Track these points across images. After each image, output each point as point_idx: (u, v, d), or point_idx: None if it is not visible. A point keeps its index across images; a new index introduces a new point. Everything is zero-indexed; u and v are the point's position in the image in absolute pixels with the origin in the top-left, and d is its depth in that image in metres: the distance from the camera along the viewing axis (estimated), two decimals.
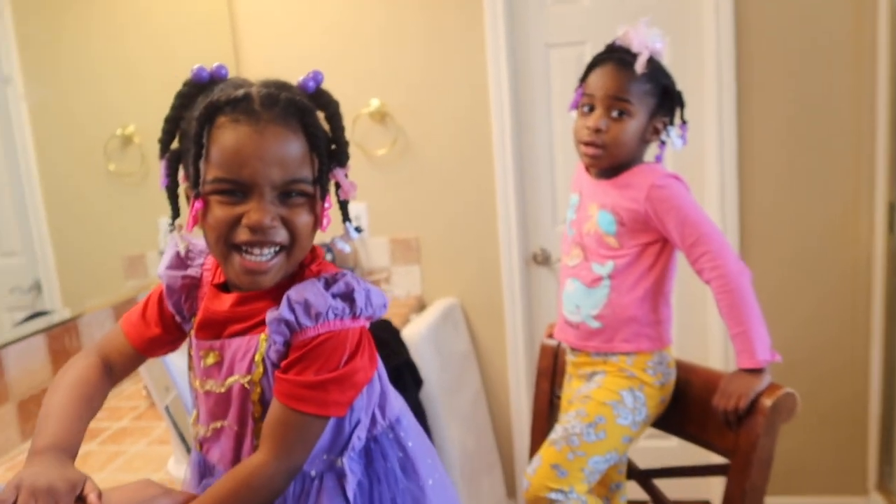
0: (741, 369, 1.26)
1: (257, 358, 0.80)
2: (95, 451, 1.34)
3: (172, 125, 0.80)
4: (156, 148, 0.82)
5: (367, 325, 0.83)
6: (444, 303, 2.26)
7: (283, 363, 0.79)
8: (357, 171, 2.30)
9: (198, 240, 0.90)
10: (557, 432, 1.35)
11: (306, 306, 0.77)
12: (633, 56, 1.31)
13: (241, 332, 0.82)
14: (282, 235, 0.78)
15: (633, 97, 1.31)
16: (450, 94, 2.24)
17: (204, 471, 0.88)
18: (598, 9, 2.17)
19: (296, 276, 0.83)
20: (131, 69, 1.92)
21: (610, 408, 1.32)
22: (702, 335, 2.25)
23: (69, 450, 0.77)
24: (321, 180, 0.80)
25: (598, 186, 1.38)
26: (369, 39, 2.25)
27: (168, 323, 0.90)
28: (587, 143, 1.34)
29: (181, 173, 0.82)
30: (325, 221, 0.82)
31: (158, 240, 1.98)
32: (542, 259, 2.31)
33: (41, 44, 1.64)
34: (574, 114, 1.41)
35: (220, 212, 0.76)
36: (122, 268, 1.89)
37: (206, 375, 0.84)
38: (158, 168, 0.83)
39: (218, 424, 0.84)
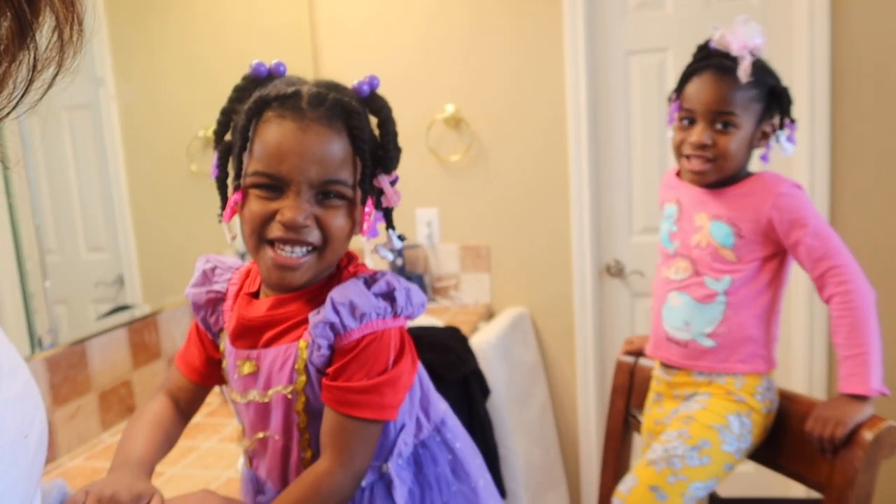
0: (844, 394, 1.16)
1: (298, 366, 0.78)
2: None
3: (227, 117, 0.82)
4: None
5: (406, 325, 0.82)
6: (513, 312, 2.22)
7: (331, 370, 0.77)
8: (430, 177, 2.32)
9: (226, 257, 0.92)
10: (657, 452, 1.26)
11: (351, 307, 0.76)
12: (733, 60, 1.22)
13: (276, 337, 0.81)
14: (314, 236, 0.77)
15: (737, 107, 1.22)
16: (526, 101, 2.21)
17: (256, 487, 0.87)
18: (681, 15, 2.10)
19: (333, 277, 0.82)
20: (213, 72, 1.97)
21: (716, 432, 1.24)
22: (783, 359, 2.13)
23: (146, 465, 0.79)
24: (364, 185, 0.78)
25: (704, 195, 1.30)
26: (446, 45, 2.24)
27: (209, 346, 0.90)
28: (693, 159, 1.26)
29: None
30: (366, 226, 0.81)
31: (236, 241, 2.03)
32: (616, 271, 2.24)
33: (132, 48, 1.70)
34: (670, 127, 1.33)
35: (256, 206, 0.76)
36: None
37: (244, 386, 0.83)
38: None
39: (261, 435, 0.84)
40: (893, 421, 1.12)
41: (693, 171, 1.27)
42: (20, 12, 0.28)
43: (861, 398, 1.15)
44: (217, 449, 1.35)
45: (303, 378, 0.78)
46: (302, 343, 0.78)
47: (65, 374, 1.37)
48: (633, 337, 1.55)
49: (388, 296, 0.79)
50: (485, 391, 1.87)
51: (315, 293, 0.80)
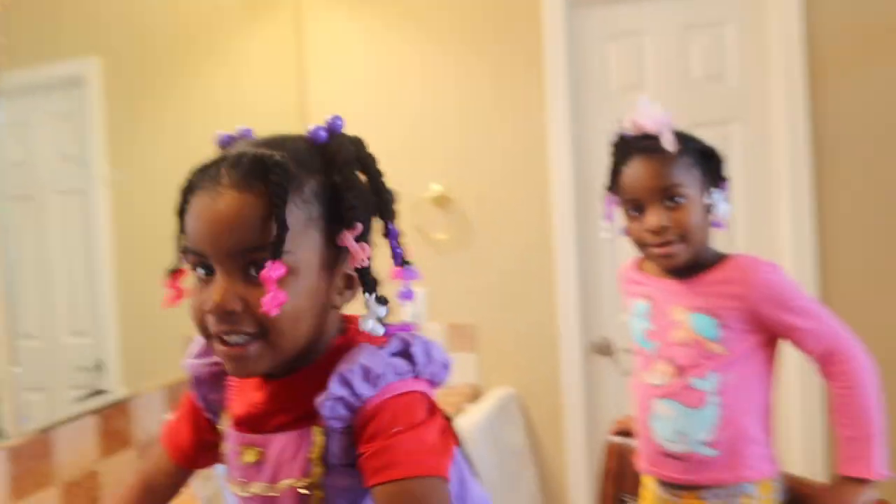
0: (846, 478, 1.11)
1: (314, 455, 0.67)
2: None
3: None
4: None
5: (433, 392, 0.70)
6: (500, 393, 2.17)
7: (361, 448, 0.65)
8: (416, 256, 2.29)
9: None
10: None
11: (364, 372, 0.65)
12: (654, 139, 1.18)
13: (286, 423, 0.70)
14: (248, 323, 0.65)
15: (680, 177, 1.17)
16: (512, 179, 2.23)
17: None
18: (664, 95, 2.15)
19: (340, 350, 0.70)
20: (207, 155, 2.00)
21: None
22: (780, 441, 2.06)
23: None
24: (277, 252, 0.63)
25: (677, 287, 1.22)
26: (432, 126, 2.28)
27: (203, 427, 0.80)
28: (658, 245, 1.18)
29: None
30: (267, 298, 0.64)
31: None
32: (605, 349, 2.21)
33: (126, 133, 1.73)
34: (607, 225, 1.28)
35: (193, 297, 0.68)
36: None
37: (245, 476, 0.72)
38: None
39: None
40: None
41: (662, 256, 1.19)
42: None
43: (863, 481, 1.10)
44: None
45: (319, 470, 0.67)
46: (317, 429, 0.67)
47: (26, 465, 1.31)
48: (622, 417, 1.50)
49: (404, 353, 0.68)
50: None
51: (322, 370, 0.68)
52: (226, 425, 0.76)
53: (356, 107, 2.33)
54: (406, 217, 0.76)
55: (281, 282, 0.63)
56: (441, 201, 2.27)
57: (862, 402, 1.12)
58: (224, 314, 0.65)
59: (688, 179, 1.18)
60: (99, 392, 1.62)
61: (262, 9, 2.28)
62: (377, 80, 2.33)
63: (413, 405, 0.66)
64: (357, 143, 0.72)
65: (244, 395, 0.74)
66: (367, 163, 0.71)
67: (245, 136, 0.74)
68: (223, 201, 0.65)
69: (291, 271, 0.65)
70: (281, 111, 2.32)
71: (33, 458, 1.33)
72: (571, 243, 2.17)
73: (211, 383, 0.78)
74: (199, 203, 0.67)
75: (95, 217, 1.66)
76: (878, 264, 1.98)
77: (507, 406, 2.14)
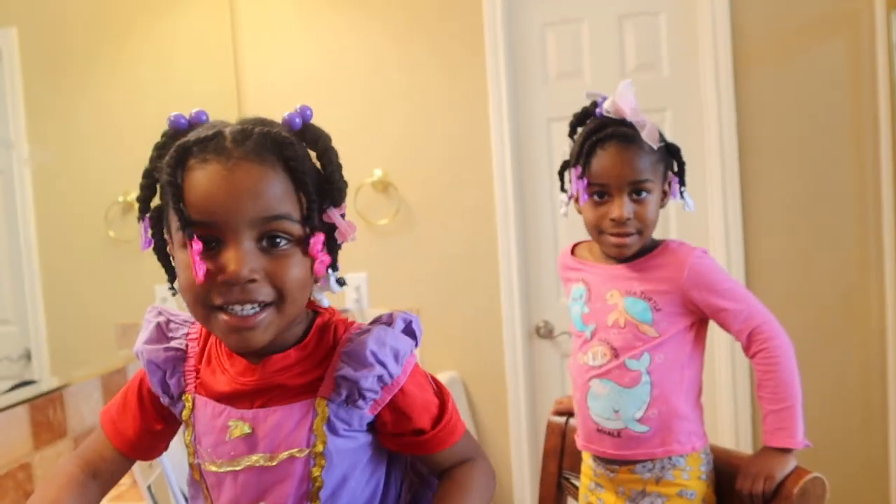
0: (770, 448, 1.17)
1: (317, 426, 0.72)
2: None
3: (151, 179, 0.72)
4: None
5: None
6: (444, 377, 2.19)
7: (403, 426, 0.77)
8: (358, 241, 2.28)
9: (177, 310, 0.83)
10: None
11: (395, 354, 0.75)
12: (630, 126, 1.20)
13: (280, 397, 0.73)
14: (265, 293, 0.68)
15: (649, 173, 1.21)
16: (453, 165, 2.24)
17: None
18: (599, 84, 2.20)
19: (325, 329, 0.76)
20: (135, 137, 1.93)
21: None
22: (710, 416, 2.16)
23: None
24: (311, 220, 0.70)
25: (612, 271, 1.26)
26: (374, 111, 2.27)
27: (150, 416, 0.80)
28: (616, 234, 1.21)
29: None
30: (318, 264, 0.72)
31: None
32: (546, 332, 2.26)
33: (47, 111, 1.65)
34: (565, 198, 1.29)
35: (192, 270, 0.67)
36: (115, 336, 1.84)
37: (234, 452, 0.73)
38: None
39: None
40: (817, 472, 1.14)
41: (617, 245, 1.22)
42: None
43: (786, 451, 1.16)
44: None
45: (323, 438, 0.72)
46: (321, 401, 0.73)
47: None
48: (562, 397, 1.54)
49: (409, 330, 0.78)
50: None
51: (314, 348, 0.75)
52: (189, 407, 0.77)
53: (295, 90, 2.30)
54: (348, 202, 0.76)
55: (295, 250, 0.70)
56: (383, 186, 2.26)
57: (783, 377, 1.18)
58: (243, 283, 0.67)
59: (654, 175, 1.22)
60: (27, 382, 1.55)
61: None
62: (317, 63, 2.30)
63: (422, 376, 0.79)
64: (326, 133, 0.76)
65: (224, 374, 0.76)
66: (333, 151, 0.76)
67: (199, 118, 0.74)
68: (242, 171, 0.67)
69: (305, 240, 0.70)
70: (214, 92, 2.26)
71: None
72: (513, 228, 2.20)
73: (167, 368, 0.79)
74: (209, 173, 0.67)
75: (17, 198, 1.59)
76: (796, 248, 2.09)
77: (450, 389, 2.16)
